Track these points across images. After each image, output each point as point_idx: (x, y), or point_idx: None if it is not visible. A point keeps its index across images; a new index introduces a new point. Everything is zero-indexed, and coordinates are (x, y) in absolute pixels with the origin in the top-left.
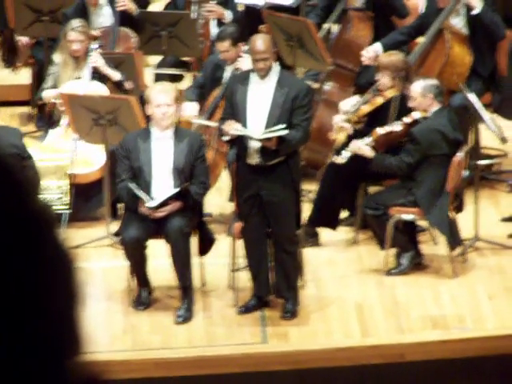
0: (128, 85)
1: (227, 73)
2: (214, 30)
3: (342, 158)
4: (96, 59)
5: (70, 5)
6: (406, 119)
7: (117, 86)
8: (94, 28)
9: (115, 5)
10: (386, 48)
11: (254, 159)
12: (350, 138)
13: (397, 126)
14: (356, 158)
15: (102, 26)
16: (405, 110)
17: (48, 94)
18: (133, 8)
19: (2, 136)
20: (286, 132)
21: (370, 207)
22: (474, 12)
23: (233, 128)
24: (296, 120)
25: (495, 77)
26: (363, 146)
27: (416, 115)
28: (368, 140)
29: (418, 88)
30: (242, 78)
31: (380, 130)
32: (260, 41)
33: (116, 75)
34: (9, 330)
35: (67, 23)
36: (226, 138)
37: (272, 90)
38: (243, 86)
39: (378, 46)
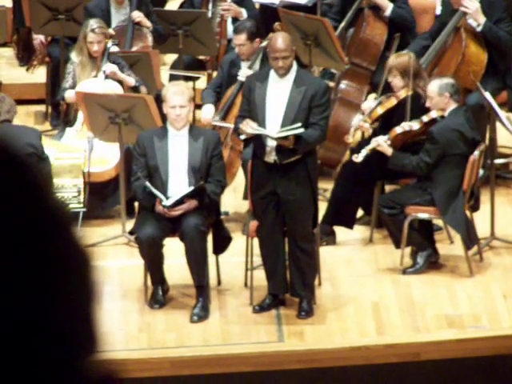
0: (143, 89)
1: (242, 70)
2: (230, 28)
3: (359, 157)
4: (109, 68)
5: (86, 3)
6: (424, 118)
7: (133, 91)
8: (113, 25)
9: (132, 4)
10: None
11: (271, 157)
12: (364, 139)
13: (415, 125)
14: (372, 157)
15: (120, 24)
16: (418, 109)
17: (71, 95)
18: (148, 24)
19: (19, 135)
20: (301, 130)
21: (385, 206)
22: (478, 29)
23: (249, 127)
24: (313, 119)
25: (506, 76)
26: (383, 143)
27: (434, 114)
28: (385, 138)
29: (435, 87)
30: (261, 76)
31: (398, 129)
32: (280, 39)
33: (131, 80)
34: (24, 329)
35: (85, 23)
36: (242, 137)
37: (289, 88)
38: (262, 84)
39: None
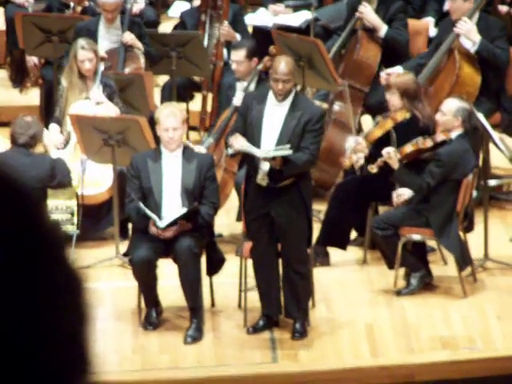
0: None
1: (237, 94)
2: (225, 50)
3: (375, 168)
4: (97, 98)
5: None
6: (438, 137)
7: None
8: (104, 45)
9: (124, 25)
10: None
11: (264, 182)
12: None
13: (428, 142)
14: (366, 178)
15: (111, 45)
16: (415, 132)
17: (53, 128)
18: (139, 46)
19: (28, 167)
20: (290, 152)
21: (379, 227)
22: (472, 49)
23: (238, 142)
24: (304, 143)
25: (501, 97)
26: (393, 156)
27: (443, 136)
28: (396, 150)
29: (453, 107)
30: (259, 97)
31: (408, 148)
32: (283, 62)
33: (116, 111)
34: (16, 352)
35: (74, 42)
36: (230, 151)
37: (285, 112)
38: (259, 106)
39: (399, 69)
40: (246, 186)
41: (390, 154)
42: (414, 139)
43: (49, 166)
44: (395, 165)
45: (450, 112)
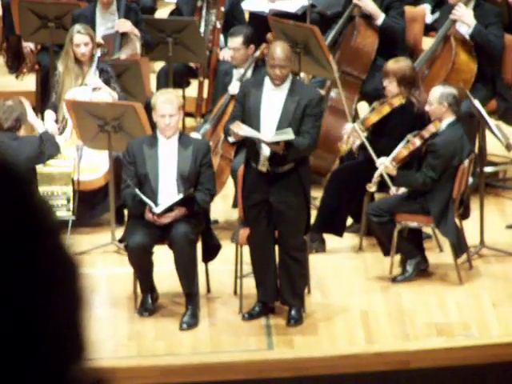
0: None
1: (232, 82)
2: (222, 37)
3: (373, 187)
4: (95, 84)
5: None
6: (425, 134)
7: None
8: (100, 31)
9: (120, 11)
10: None
11: (264, 168)
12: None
13: (417, 141)
14: (362, 165)
15: (108, 31)
16: (411, 118)
17: (48, 116)
18: (135, 32)
19: (19, 150)
20: (292, 136)
21: (374, 214)
22: (467, 33)
23: (243, 129)
24: (305, 127)
25: (497, 84)
26: (389, 165)
27: (432, 128)
28: (390, 159)
29: (437, 94)
30: (256, 83)
31: (403, 152)
32: (279, 48)
33: (113, 96)
34: (13, 336)
35: (71, 28)
36: (232, 140)
37: (284, 97)
38: (257, 91)
39: None
40: (245, 172)
41: (386, 164)
42: (404, 140)
43: (36, 145)
44: (393, 172)
45: (435, 100)
